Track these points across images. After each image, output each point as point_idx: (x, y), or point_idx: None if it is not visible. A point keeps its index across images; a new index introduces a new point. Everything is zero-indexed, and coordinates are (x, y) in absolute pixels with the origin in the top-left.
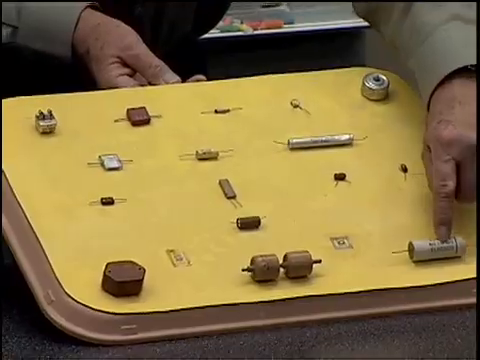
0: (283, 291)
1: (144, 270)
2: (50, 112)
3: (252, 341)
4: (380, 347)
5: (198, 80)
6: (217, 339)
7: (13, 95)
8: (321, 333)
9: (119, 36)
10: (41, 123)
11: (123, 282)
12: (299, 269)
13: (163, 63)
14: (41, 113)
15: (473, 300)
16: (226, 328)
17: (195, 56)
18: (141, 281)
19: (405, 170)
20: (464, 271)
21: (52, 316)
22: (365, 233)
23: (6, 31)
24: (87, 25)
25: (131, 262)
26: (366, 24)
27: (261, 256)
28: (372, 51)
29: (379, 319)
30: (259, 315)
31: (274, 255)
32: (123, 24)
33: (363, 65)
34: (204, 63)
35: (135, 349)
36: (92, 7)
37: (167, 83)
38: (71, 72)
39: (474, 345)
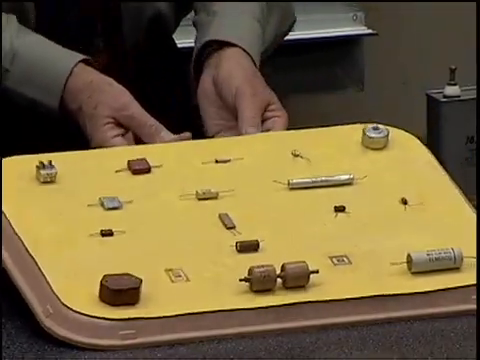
0: (280, 298)
1: (141, 280)
2: (50, 162)
3: (252, 346)
4: (379, 353)
5: (184, 139)
6: (217, 344)
7: (3, 140)
8: (320, 339)
9: (113, 96)
10: (42, 172)
11: (120, 290)
12: (296, 279)
13: (158, 122)
14: (41, 163)
15: (472, 306)
16: (225, 333)
17: (178, 67)
18: (138, 290)
19: (405, 203)
20: (463, 279)
21: (51, 327)
22: (364, 252)
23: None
24: (79, 81)
25: (128, 274)
26: (365, 32)
27: (258, 267)
28: (371, 59)
29: (378, 325)
30: (258, 321)
31: (271, 266)
32: (115, 83)
33: (362, 73)
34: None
35: (135, 353)
36: (85, 61)
37: (163, 142)
38: (60, 122)
39: (473, 351)
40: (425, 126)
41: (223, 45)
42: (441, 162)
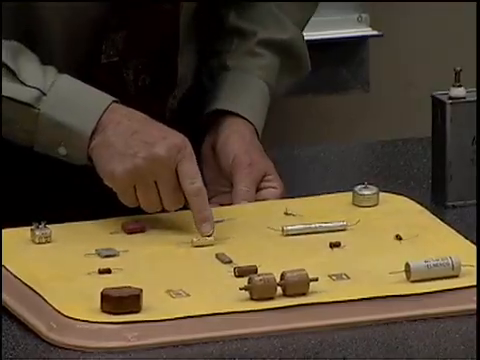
0: (282, 303)
1: (141, 290)
2: (45, 224)
3: (257, 348)
4: (384, 354)
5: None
6: (222, 345)
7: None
8: (325, 340)
9: None
10: (37, 233)
11: (121, 297)
12: (296, 287)
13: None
14: (36, 225)
15: (472, 306)
16: (229, 334)
17: None
18: (139, 297)
19: (400, 238)
20: (463, 282)
21: (55, 339)
22: (362, 270)
23: (30, 93)
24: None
25: (128, 286)
26: (370, 33)
27: (258, 275)
28: (376, 60)
29: (383, 326)
30: (261, 322)
31: (271, 274)
32: None
33: (367, 74)
34: None
35: (140, 354)
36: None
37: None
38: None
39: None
40: (430, 127)
41: (227, 112)
42: (446, 164)
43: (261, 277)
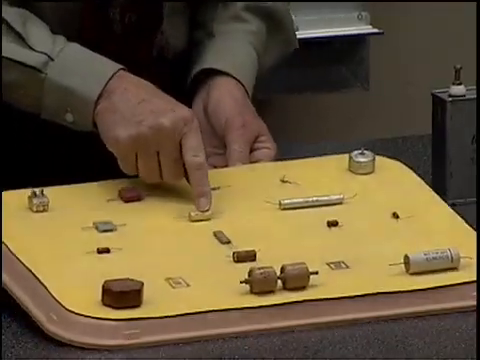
0: (282, 298)
1: (142, 283)
2: (42, 191)
3: (257, 346)
4: (384, 352)
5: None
6: (222, 343)
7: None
8: (325, 338)
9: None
10: (34, 201)
11: (122, 292)
12: (296, 280)
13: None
14: (33, 192)
15: (472, 303)
16: (229, 332)
17: None
18: (140, 292)
19: (397, 217)
20: (461, 277)
21: (55, 332)
22: (360, 258)
23: (38, 58)
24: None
25: (129, 279)
26: (370, 31)
27: (259, 268)
28: (376, 58)
29: (383, 324)
30: (263, 319)
31: (271, 267)
32: None
33: (367, 72)
34: None
35: (140, 353)
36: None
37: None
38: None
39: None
40: (430, 125)
41: (217, 73)
42: (447, 161)
43: (261, 271)
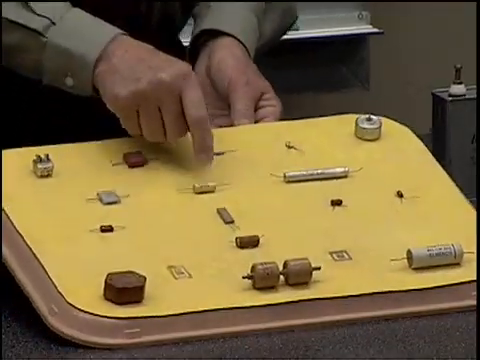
0: (284, 295)
1: (145, 278)
2: (47, 156)
3: (257, 345)
4: (384, 351)
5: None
6: (222, 342)
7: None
8: (326, 337)
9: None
10: (39, 166)
11: (124, 288)
12: (299, 276)
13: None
14: (38, 157)
15: (472, 302)
16: (231, 331)
17: None
18: (142, 288)
19: (401, 196)
20: (463, 275)
21: (56, 326)
22: (363, 247)
23: (41, 21)
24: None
25: (132, 272)
26: (371, 30)
27: (261, 264)
28: (376, 58)
29: (383, 323)
30: (263, 318)
31: (274, 263)
32: None
33: (367, 71)
34: None
35: (141, 352)
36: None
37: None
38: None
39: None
40: (430, 125)
41: (217, 34)
42: (447, 161)
43: (264, 266)
